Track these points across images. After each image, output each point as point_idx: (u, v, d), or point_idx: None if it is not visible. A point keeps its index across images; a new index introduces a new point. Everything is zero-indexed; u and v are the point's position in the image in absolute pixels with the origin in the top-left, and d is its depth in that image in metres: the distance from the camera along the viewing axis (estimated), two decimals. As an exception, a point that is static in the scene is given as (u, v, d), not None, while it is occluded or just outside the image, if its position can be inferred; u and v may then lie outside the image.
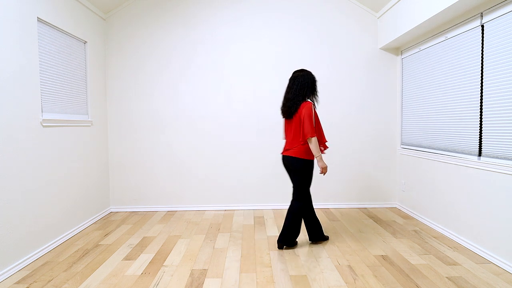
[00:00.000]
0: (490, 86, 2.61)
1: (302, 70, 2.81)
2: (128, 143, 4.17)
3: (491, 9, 2.57)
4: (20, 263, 2.55)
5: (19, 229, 2.56)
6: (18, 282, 2.32)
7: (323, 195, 4.23)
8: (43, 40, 2.92)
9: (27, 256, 2.64)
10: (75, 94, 3.44)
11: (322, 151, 2.85)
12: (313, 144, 2.68)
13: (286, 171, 3.16)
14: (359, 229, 3.38)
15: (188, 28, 4.11)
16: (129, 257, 2.73)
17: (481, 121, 2.72)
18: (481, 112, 2.72)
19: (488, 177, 2.62)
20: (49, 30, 3.02)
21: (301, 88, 2.75)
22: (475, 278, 2.31)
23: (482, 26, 2.69)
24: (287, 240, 2.84)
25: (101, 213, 3.92)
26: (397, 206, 4.20)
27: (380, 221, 3.64)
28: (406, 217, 3.77)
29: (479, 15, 2.70)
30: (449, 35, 3.10)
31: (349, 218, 3.77)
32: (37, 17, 2.83)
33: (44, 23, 2.94)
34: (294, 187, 2.84)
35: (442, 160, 3.20)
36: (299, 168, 2.76)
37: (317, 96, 2.86)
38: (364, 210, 4.08)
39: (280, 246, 2.87)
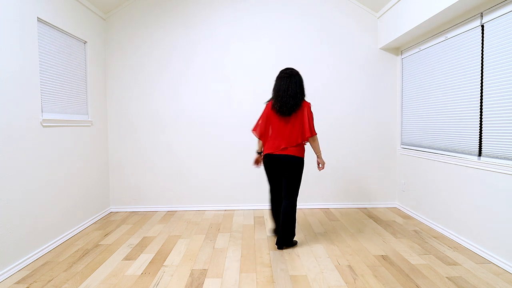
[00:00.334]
0: (490, 86, 2.61)
1: (293, 69, 2.82)
2: (128, 143, 4.17)
3: (491, 9, 2.57)
4: (20, 263, 2.55)
5: (19, 229, 2.56)
6: (18, 282, 2.32)
7: (323, 195, 4.23)
8: (43, 40, 2.92)
9: (27, 256, 2.64)
10: (75, 94, 3.44)
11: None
12: (317, 141, 2.83)
13: (271, 171, 2.91)
14: (359, 229, 3.38)
15: (188, 28, 4.11)
16: (129, 257, 2.73)
17: (481, 121, 2.72)
18: (481, 112, 2.72)
19: (488, 177, 2.62)
20: (49, 30, 3.02)
21: (300, 87, 2.77)
22: (475, 278, 2.31)
23: (482, 26, 2.69)
24: (286, 241, 2.85)
25: (101, 213, 3.92)
26: (397, 206, 4.20)
27: (380, 221, 3.64)
28: (406, 217, 3.78)
29: (479, 15, 2.70)
30: (449, 35, 3.10)
31: (349, 218, 3.77)
32: (37, 17, 2.83)
33: (44, 23, 2.94)
34: (288, 186, 2.81)
35: (442, 160, 3.21)
36: (299, 167, 2.78)
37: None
38: (364, 210, 4.08)
39: (280, 247, 2.87)
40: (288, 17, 4.13)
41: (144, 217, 3.90)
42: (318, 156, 2.86)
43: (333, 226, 3.49)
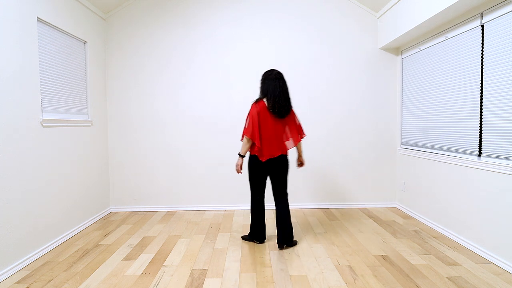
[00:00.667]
0: (490, 86, 2.61)
1: (279, 71, 2.84)
2: (128, 143, 4.17)
3: (491, 9, 2.57)
4: (20, 263, 2.55)
5: (19, 229, 2.56)
6: (18, 282, 2.32)
7: (323, 195, 4.23)
8: (43, 40, 2.92)
9: (27, 256, 2.64)
10: (75, 94, 3.44)
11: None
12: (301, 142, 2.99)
13: (264, 174, 2.88)
14: (359, 229, 3.38)
15: (188, 28, 4.11)
16: (129, 257, 2.73)
17: (481, 121, 2.72)
18: (481, 112, 2.72)
19: (488, 177, 2.62)
20: (49, 30, 3.02)
21: (287, 90, 2.84)
22: (475, 278, 2.31)
23: (482, 26, 2.69)
24: (290, 239, 2.87)
25: (101, 213, 3.92)
26: (397, 206, 4.20)
27: (380, 221, 3.64)
28: (406, 217, 3.77)
29: (479, 15, 2.70)
30: (449, 35, 3.10)
31: (349, 218, 3.77)
32: (37, 17, 2.83)
33: (44, 23, 2.94)
34: (282, 185, 2.90)
35: (442, 160, 3.20)
36: (289, 165, 2.95)
37: None
38: (364, 210, 4.08)
39: (281, 247, 2.87)
40: (288, 17, 4.13)
41: (144, 217, 3.90)
42: (301, 155, 3.02)
43: (333, 226, 3.49)
